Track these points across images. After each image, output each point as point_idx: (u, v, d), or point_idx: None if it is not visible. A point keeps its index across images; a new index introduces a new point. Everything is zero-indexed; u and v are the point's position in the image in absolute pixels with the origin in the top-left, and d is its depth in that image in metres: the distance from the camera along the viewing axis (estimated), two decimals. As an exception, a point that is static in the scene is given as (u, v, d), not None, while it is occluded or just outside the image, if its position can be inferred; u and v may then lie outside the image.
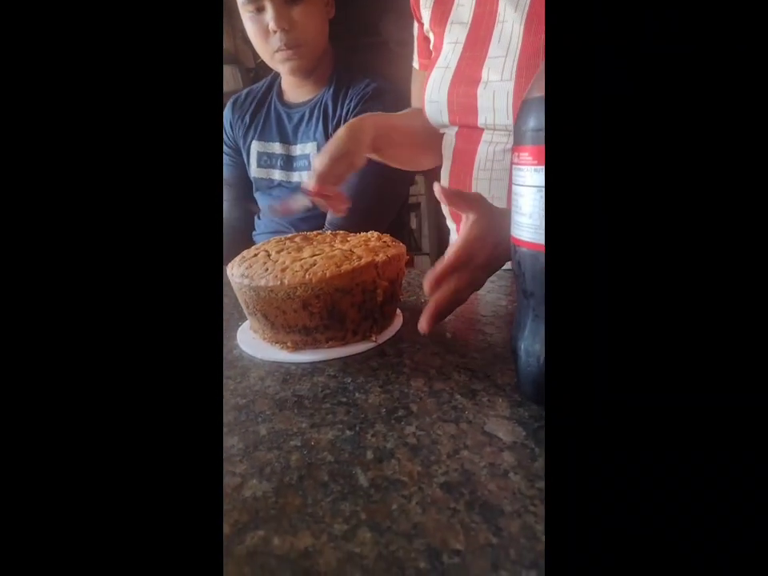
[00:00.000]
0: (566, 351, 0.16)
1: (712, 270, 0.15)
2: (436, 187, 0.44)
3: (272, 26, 0.92)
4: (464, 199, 0.45)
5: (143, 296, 0.18)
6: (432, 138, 0.74)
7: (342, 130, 0.56)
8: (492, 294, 0.62)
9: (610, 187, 0.16)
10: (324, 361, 0.45)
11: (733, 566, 0.14)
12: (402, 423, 0.34)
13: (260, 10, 0.93)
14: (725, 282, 0.15)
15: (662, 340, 0.16)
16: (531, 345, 0.34)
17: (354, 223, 0.84)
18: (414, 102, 0.82)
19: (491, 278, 0.66)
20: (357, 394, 0.39)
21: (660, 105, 0.15)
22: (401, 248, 0.51)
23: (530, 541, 0.24)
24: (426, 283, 0.42)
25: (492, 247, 0.45)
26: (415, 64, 0.79)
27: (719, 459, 0.15)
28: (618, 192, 0.16)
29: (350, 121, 0.58)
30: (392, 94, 0.98)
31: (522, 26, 0.55)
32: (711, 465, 0.15)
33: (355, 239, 0.52)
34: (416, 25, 0.76)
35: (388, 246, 0.50)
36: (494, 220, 0.46)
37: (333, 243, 0.51)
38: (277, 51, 0.96)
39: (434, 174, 0.77)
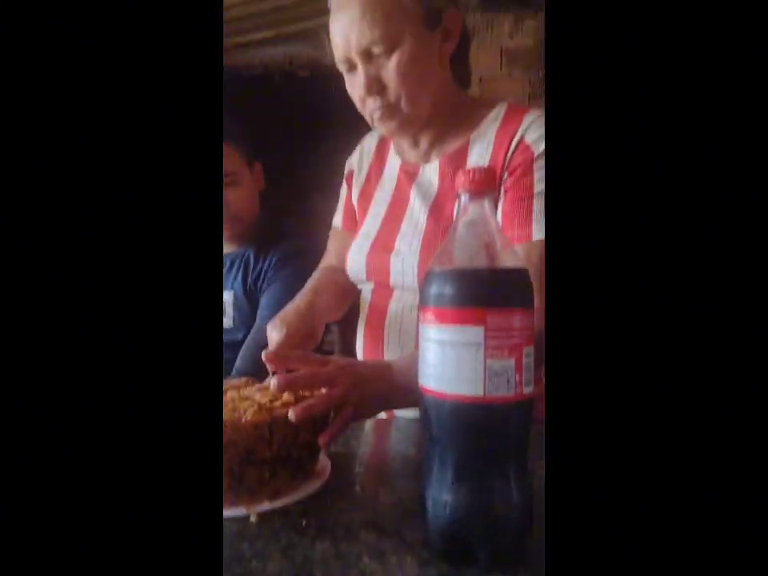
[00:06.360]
0: (565, 351, 0.17)
1: (713, 277, 0.16)
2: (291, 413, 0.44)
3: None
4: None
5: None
6: (333, 297, 0.81)
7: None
8: (401, 443, 0.63)
9: (608, 194, 0.17)
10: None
11: (733, 567, 0.14)
12: (306, 589, 0.31)
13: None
14: (725, 290, 0.16)
15: (663, 342, 0.16)
16: (438, 493, 0.35)
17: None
18: (329, 258, 0.91)
19: (398, 427, 0.67)
20: (254, 563, 0.35)
21: (659, 112, 0.17)
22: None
23: None
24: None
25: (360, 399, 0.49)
26: (338, 223, 0.92)
27: (719, 462, 0.15)
28: (616, 200, 0.17)
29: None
30: (314, 252, 1.06)
31: (426, 215, 0.74)
32: (711, 467, 0.15)
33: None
34: (345, 189, 0.91)
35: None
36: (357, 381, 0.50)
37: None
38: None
39: (348, 326, 0.81)
